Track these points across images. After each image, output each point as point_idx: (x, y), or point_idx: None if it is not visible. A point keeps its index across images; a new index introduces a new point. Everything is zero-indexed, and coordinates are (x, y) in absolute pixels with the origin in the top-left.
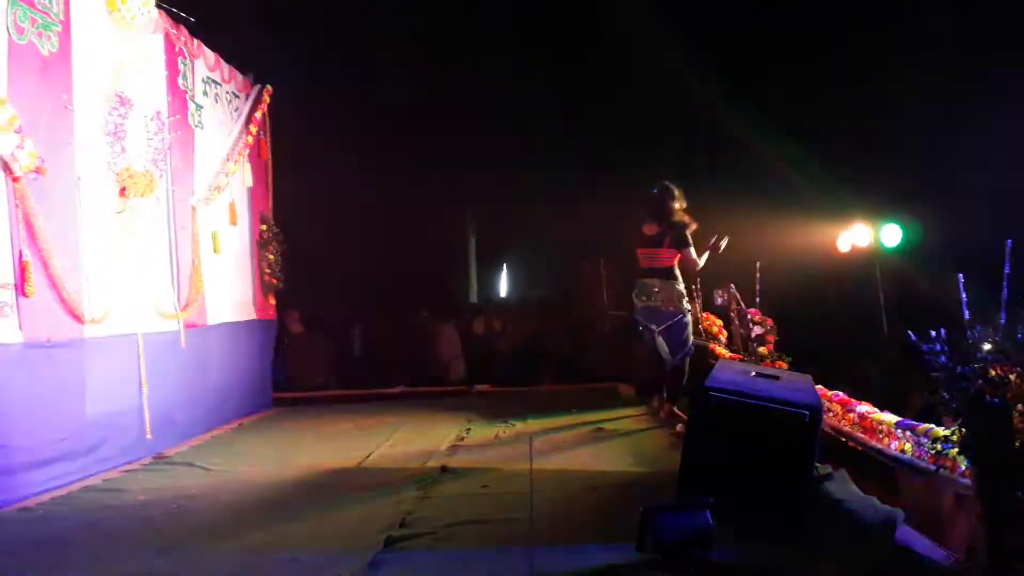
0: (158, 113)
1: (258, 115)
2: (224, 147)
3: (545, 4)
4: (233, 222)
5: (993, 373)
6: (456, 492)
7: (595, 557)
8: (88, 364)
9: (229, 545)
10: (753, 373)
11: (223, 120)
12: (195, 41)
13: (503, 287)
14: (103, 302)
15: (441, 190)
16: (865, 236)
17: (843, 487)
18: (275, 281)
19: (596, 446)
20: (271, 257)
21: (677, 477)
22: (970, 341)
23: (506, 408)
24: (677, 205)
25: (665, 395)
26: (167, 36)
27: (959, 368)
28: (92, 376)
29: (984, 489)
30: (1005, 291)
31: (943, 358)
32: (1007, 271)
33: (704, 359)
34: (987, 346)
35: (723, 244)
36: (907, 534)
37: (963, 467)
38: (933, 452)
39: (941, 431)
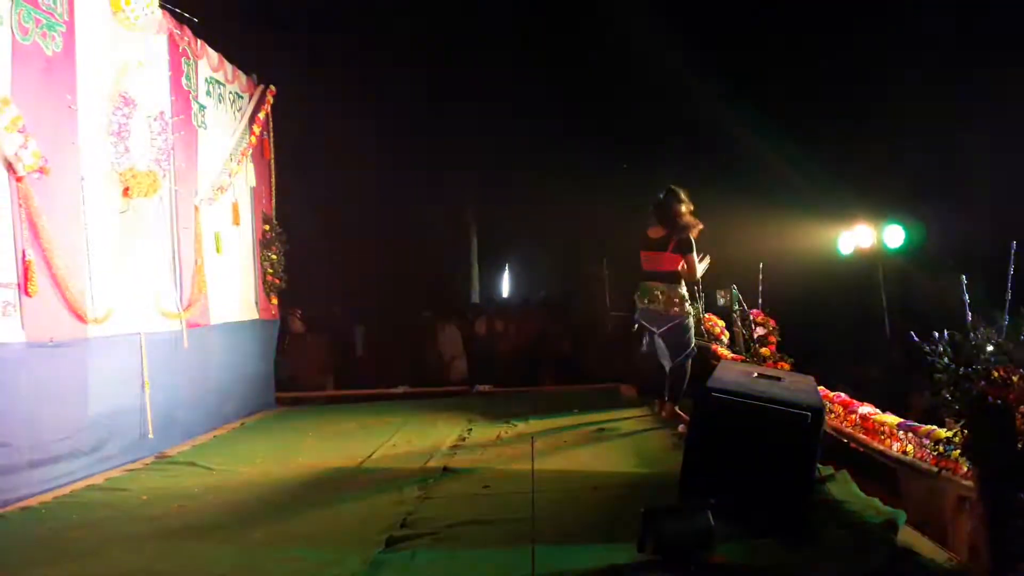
0: (161, 113)
1: (261, 115)
2: (227, 147)
3: (546, 4)
4: (236, 222)
5: (996, 375)
6: (457, 492)
7: (596, 557)
8: (91, 363)
9: (231, 544)
10: (755, 374)
11: (226, 120)
12: (198, 41)
13: (505, 288)
14: (106, 301)
15: (443, 190)
16: (868, 237)
17: (845, 488)
18: (277, 281)
19: (597, 446)
20: (274, 257)
21: (678, 478)
22: (972, 342)
23: (508, 408)
24: (684, 208)
25: (666, 396)
26: (171, 36)
27: (961, 369)
28: (95, 375)
29: (986, 491)
30: (1009, 292)
31: (945, 359)
32: (1011, 272)
33: (706, 360)
34: (990, 347)
35: (705, 263)
36: (909, 536)
37: (965, 469)
38: (935, 454)
39: (943, 432)
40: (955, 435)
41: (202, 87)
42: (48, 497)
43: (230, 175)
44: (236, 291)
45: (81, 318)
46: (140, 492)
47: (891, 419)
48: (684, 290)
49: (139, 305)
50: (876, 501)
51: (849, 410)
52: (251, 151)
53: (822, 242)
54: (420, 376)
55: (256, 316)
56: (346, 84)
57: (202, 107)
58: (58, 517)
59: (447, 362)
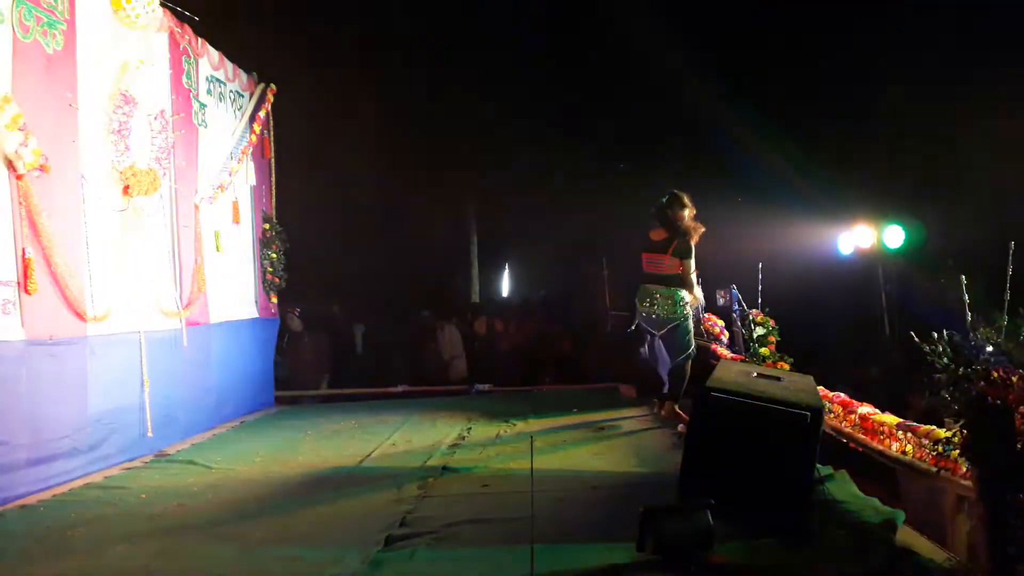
0: (162, 112)
1: (262, 114)
2: (228, 146)
3: (546, 4)
4: (236, 221)
5: (995, 375)
6: (457, 491)
7: (595, 557)
8: (90, 362)
9: (230, 543)
10: (754, 374)
11: (227, 119)
12: (199, 40)
13: (505, 287)
14: (105, 300)
15: (444, 190)
16: (867, 237)
17: (844, 488)
18: (277, 280)
19: (597, 446)
20: (274, 256)
21: (678, 477)
22: (972, 343)
23: (507, 408)
24: (686, 212)
25: (666, 394)
26: (171, 35)
27: (961, 370)
28: (94, 374)
29: (985, 491)
30: (1008, 293)
31: (945, 360)
32: (1010, 273)
33: (706, 360)
34: (989, 348)
35: (698, 292)
36: (908, 535)
37: (964, 469)
38: (934, 454)
39: (942, 433)
40: (954, 435)
41: (203, 85)
42: (47, 495)
43: (230, 174)
44: (236, 290)
45: (81, 316)
46: (139, 490)
47: (890, 419)
48: (684, 293)
49: (139, 303)
50: (875, 501)
51: (848, 410)
52: (251, 150)
53: (822, 242)
54: (420, 375)
55: (256, 315)
56: (346, 83)
57: (203, 105)
58: (57, 515)
59: (447, 361)
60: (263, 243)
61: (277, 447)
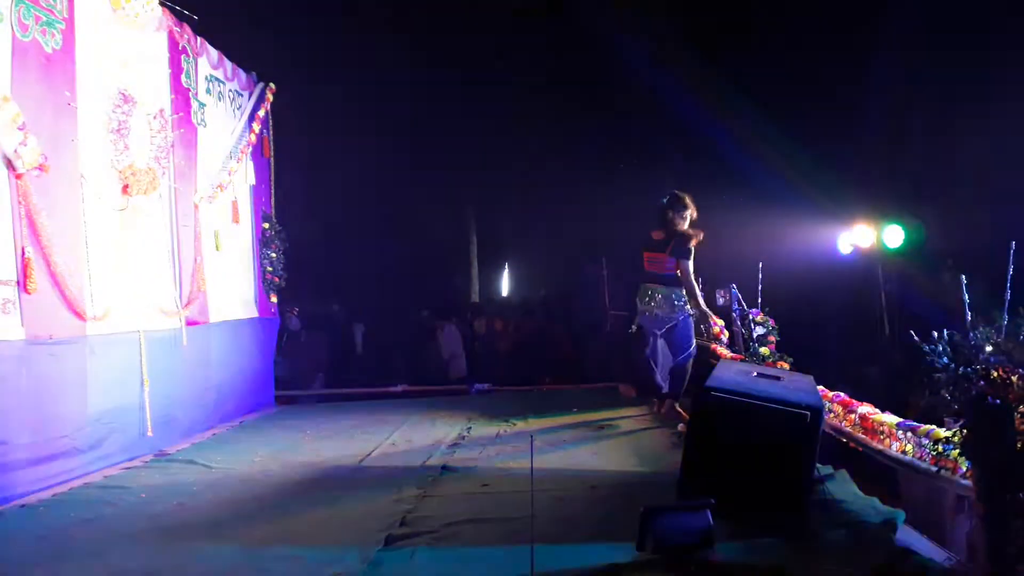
0: (161, 111)
1: (261, 113)
2: (227, 145)
3: (546, 4)
4: (236, 220)
5: (995, 374)
6: (457, 491)
7: (596, 556)
8: (90, 361)
9: (230, 542)
10: (754, 373)
11: (226, 118)
12: (198, 39)
13: (505, 287)
14: (105, 299)
15: (443, 189)
16: (867, 237)
17: (844, 488)
18: (277, 279)
19: (597, 445)
20: (273, 255)
21: (678, 477)
22: (972, 342)
23: (507, 407)
24: (687, 214)
25: (666, 393)
26: (170, 34)
27: (961, 369)
28: (94, 373)
29: (985, 490)
30: (1008, 292)
31: (945, 359)
32: (1010, 272)
33: (705, 359)
34: (989, 347)
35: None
36: (908, 535)
37: (964, 468)
38: (934, 453)
39: (942, 432)
40: (954, 435)
41: (202, 85)
42: (47, 495)
43: (230, 173)
44: (236, 289)
45: (80, 316)
46: (139, 490)
47: (890, 419)
48: (684, 292)
49: (138, 303)
50: (875, 501)
51: (848, 410)
52: (251, 149)
53: (821, 242)
54: (420, 375)
55: (255, 314)
56: (347, 82)
57: (202, 105)
58: (57, 515)
59: (447, 361)
60: (263, 242)
61: (277, 447)
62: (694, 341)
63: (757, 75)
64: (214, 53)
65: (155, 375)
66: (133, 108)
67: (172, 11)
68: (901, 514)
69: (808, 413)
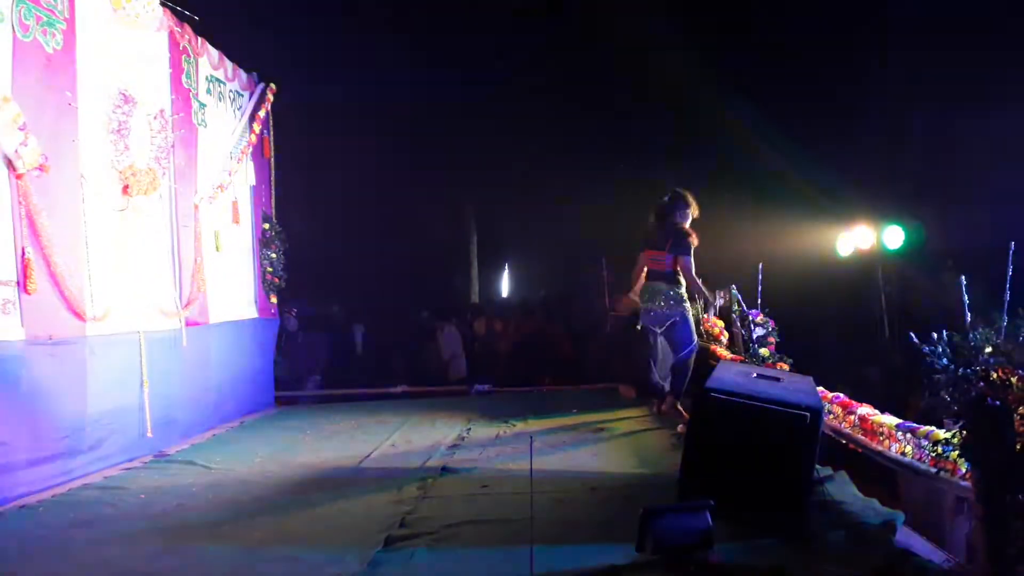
0: (162, 111)
1: (261, 113)
2: (227, 145)
3: (546, 5)
4: (236, 220)
5: (994, 376)
6: (456, 492)
7: (595, 558)
8: (90, 362)
9: (229, 543)
10: (754, 374)
11: (226, 118)
12: (199, 39)
13: (504, 287)
14: (105, 300)
15: (443, 190)
16: (867, 238)
17: (843, 489)
18: (277, 280)
19: (596, 446)
20: (273, 256)
21: (678, 478)
22: (971, 344)
23: (506, 408)
24: (689, 211)
25: (667, 390)
26: (171, 34)
27: (960, 370)
28: (93, 374)
29: (985, 492)
30: (1007, 293)
31: (944, 360)
32: (1010, 273)
33: (705, 361)
34: (988, 349)
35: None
36: (907, 536)
37: (964, 470)
38: (934, 455)
39: (942, 434)
40: (954, 436)
41: (202, 85)
42: (47, 495)
43: (230, 173)
44: (236, 290)
45: (80, 316)
46: (139, 491)
47: (890, 420)
48: (684, 289)
49: (138, 303)
50: (875, 502)
51: (848, 411)
52: (251, 149)
53: (821, 243)
54: (419, 376)
55: (255, 315)
56: (347, 82)
57: (202, 105)
58: (56, 516)
59: (446, 362)
60: (263, 243)
61: (277, 447)
62: (695, 337)
63: (757, 76)
64: (215, 53)
65: (155, 376)
66: (134, 108)
67: (173, 11)
68: (900, 515)
69: (808, 414)
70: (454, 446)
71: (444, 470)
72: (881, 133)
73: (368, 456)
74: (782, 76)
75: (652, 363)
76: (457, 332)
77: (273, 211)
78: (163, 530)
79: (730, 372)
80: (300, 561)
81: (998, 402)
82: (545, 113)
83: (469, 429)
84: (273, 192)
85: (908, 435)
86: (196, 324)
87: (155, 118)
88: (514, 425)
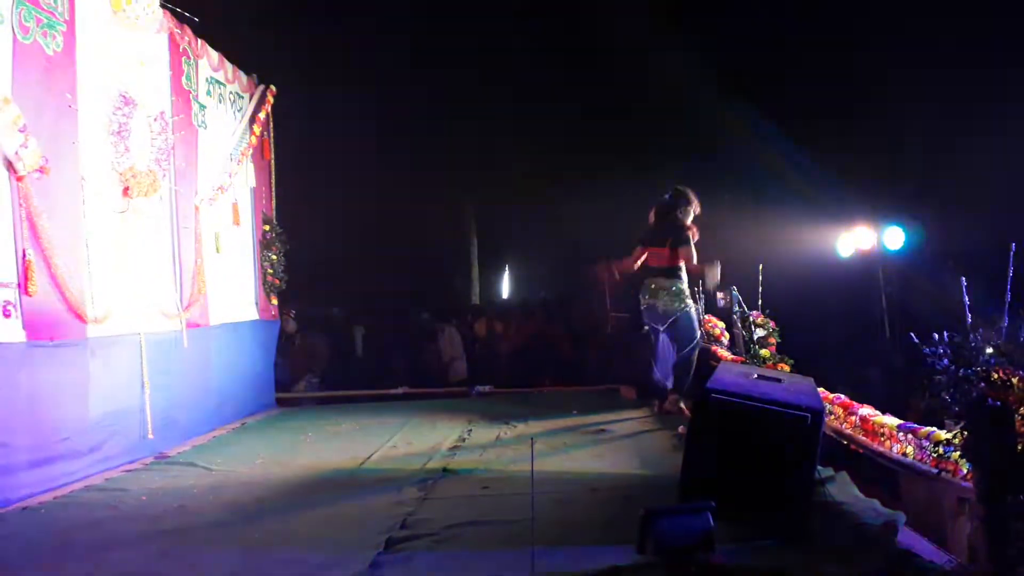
0: (162, 113)
1: (261, 115)
2: (228, 147)
3: (547, 5)
4: (236, 222)
5: (995, 376)
6: (457, 493)
7: (596, 559)
8: (90, 364)
9: (230, 544)
10: (755, 375)
11: (226, 120)
12: (199, 41)
13: (505, 289)
14: (106, 302)
15: (444, 192)
16: (868, 239)
17: (844, 490)
18: (277, 281)
19: (597, 448)
20: (274, 257)
21: (678, 479)
22: (972, 344)
23: (507, 410)
24: (691, 209)
25: (673, 388)
26: (171, 36)
27: (961, 371)
28: (94, 376)
29: (986, 492)
30: (1008, 294)
31: (945, 361)
32: (1010, 274)
33: (706, 362)
34: (989, 349)
35: (716, 270)
36: (909, 537)
37: (965, 470)
38: (935, 455)
39: (943, 434)
40: (955, 437)
41: (202, 87)
42: (48, 497)
43: (230, 175)
44: (236, 291)
45: (81, 318)
46: (140, 492)
47: (891, 421)
48: (685, 285)
49: (139, 305)
50: (876, 503)
51: (849, 412)
52: (251, 151)
53: (822, 244)
54: (420, 377)
55: (256, 316)
56: (347, 84)
57: (202, 107)
58: (58, 517)
59: (447, 363)
60: (263, 245)
61: (278, 449)
62: (698, 332)
63: (758, 77)
64: (215, 55)
65: (156, 377)
66: (134, 110)
67: (173, 13)
68: (902, 516)
69: (809, 415)
70: (455, 447)
71: (445, 471)
72: (882, 134)
73: (369, 458)
74: (783, 76)
75: (653, 362)
76: (457, 334)
77: (273, 213)
78: (164, 531)
79: (731, 373)
80: (301, 562)
81: (999, 403)
82: (546, 114)
83: (470, 431)
84: (273, 194)
85: (909, 436)
86: (197, 326)
87: (155, 120)
88: (515, 426)
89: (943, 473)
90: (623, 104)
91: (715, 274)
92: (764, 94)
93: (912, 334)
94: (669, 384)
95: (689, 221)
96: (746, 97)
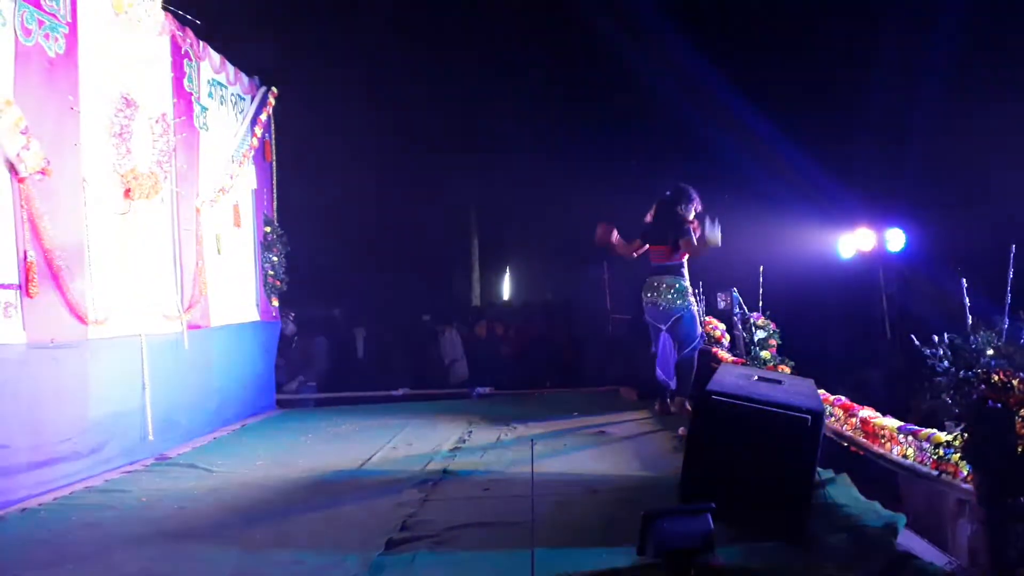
0: (163, 115)
1: (263, 117)
2: (229, 149)
3: (547, 5)
4: (237, 224)
5: (996, 378)
6: (457, 495)
7: (596, 561)
8: (91, 365)
9: (231, 546)
10: (755, 377)
11: (228, 122)
12: (201, 43)
13: (506, 290)
14: (107, 303)
15: (445, 193)
16: (869, 240)
17: (845, 492)
18: (279, 283)
19: (598, 449)
20: (275, 259)
21: (679, 481)
22: (973, 346)
23: (508, 411)
24: (693, 207)
25: (675, 391)
26: (173, 38)
27: (962, 373)
28: (95, 377)
29: (986, 494)
30: (1008, 296)
31: (946, 363)
32: (1011, 276)
33: (706, 363)
34: (990, 351)
35: (718, 231)
36: (909, 539)
37: (965, 472)
38: (935, 457)
39: (943, 436)
40: (955, 439)
41: (204, 89)
42: (48, 499)
43: (231, 177)
44: (237, 293)
45: (82, 319)
46: (140, 494)
47: (891, 423)
48: (687, 282)
49: (140, 307)
50: (876, 504)
51: (849, 413)
52: (253, 153)
53: (823, 245)
54: (420, 379)
55: (257, 318)
56: (348, 86)
57: (204, 109)
58: (58, 519)
59: (448, 365)
60: (264, 246)
61: (278, 450)
62: (700, 331)
63: (759, 77)
64: (216, 57)
65: (156, 379)
66: (135, 112)
67: (175, 15)
68: (902, 518)
69: (809, 417)
70: (455, 449)
71: (445, 473)
72: (883, 135)
73: (369, 459)
74: (783, 77)
75: (655, 360)
76: (458, 335)
77: (275, 214)
78: (164, 533)
79: (731, 375)
80: (301, 564)
81: (999, 405)
82: (547, 115)
83: (470, 432)
84: (275, 195)
85: (910, 438)
86: (198, 327)
87: (157, 122)
88: (515, 428)
89: (943, 475)
90: (627, 105)
91: (716, 234)
92: (765, 94)
93: (913, 336)
94: (673, 385)
95: (691, 218)
96: (748, 98)
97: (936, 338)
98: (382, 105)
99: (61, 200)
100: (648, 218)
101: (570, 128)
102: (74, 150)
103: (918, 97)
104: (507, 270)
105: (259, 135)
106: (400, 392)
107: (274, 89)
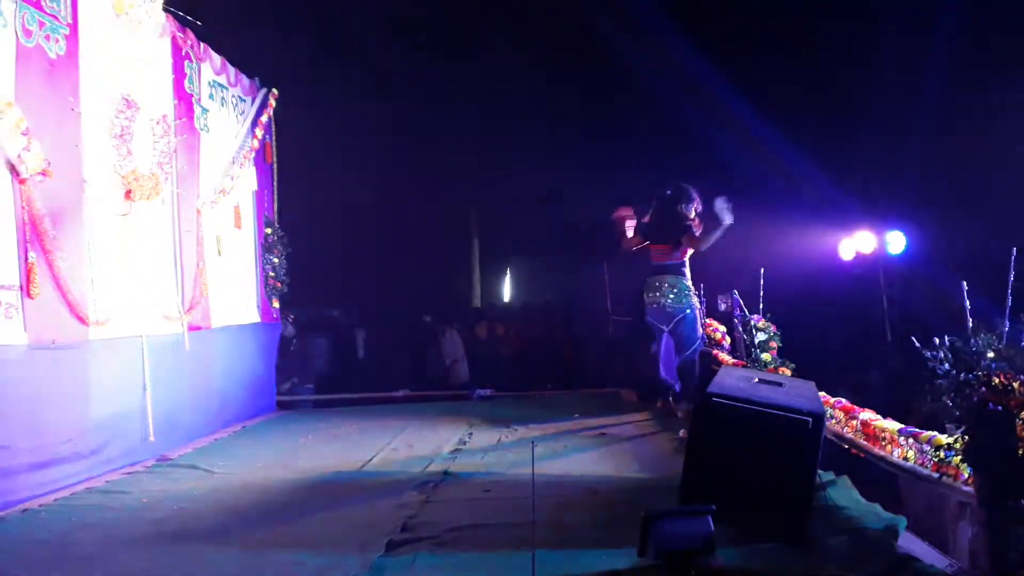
0: (164, 116)
1: (264, 119)
2: (230, 150)
3: (549, 7)
4: (238, 225)
5: (996, 381)
6: (458, 496)
7: (597, 562)
8: (92, 366)
9: (231, 547)
10: (756, 379)
11: (229, 123)
12: (202, 45)
13: (506, 291)
14: (108, 304)
15: (445, 194)
16: (869, 243)
17: (846, 494)
18: (279, 284)
19: (598, 451)
20: (275, 260)
21: (679, 482)
22: (973, 349)
23: (508, 412)
24: (693, 206)
25: (679, 394)
26: (174, 39)
27: (962, 375)
28: (96, 378)
29: (987, 497)
30: (1009, 298)
31: (946, 365)
32: (1011, 279)
33: (707, 365)
34: (990, 354)
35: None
36: (910, 541)
37: (966, 475)
38: (936, 459)
39: (944, 438)
40: (956, 441)
41: (205, 90)
42: (49, 499)
43: (232, 178)
44: (238, 294)
45: (83, 320)
46: (141, 495)
47: (892, 425)
48: (689, 282)
49: (141, 308)
50: (877, 507)
51: (850, 416)
52: (253, 154)
53: (823, 247)
54: (421, 380)
55: (258, 319)
56: (348, 87)
57: (205, 110)
58: (59, 520)
59: (448, 366)
60: (265, 248)
61: (279, 452)
62: (701, 332)
63: (759, 77)
64: (217, 59)
65: (157, 380)
66: (136, 113)
67: (175, 17)
68: (903, 520)
69: (810, 419)
70: (456, 450)
71: (446, 474)
72: (883, 137)
73: (370, 460)
74: (783, 77)
75: (657, 362)
76: (459, 336)
77: (275, 215)
78: (165, 534)
79: (732, 377)
80: (302, 565)
81: (1000, 407)
82: (548, 115)
83: (471, 434)
84: (275, 196)
85: (910, 440)
86: (198, 328)
87: (158, 123)
88: (516, 430)
89: (944, 477)
90: (627, 105)
91: (725, 214)
92: (766, 96)
93: (913, 338)
94: (677, 387)
95: (692, 216)
96: (748, 99)
97: (937, 340)
98: (382, 105)
99: (62, 201)
100: (647, 218)
101: (570, 128)
102: (75, 151)
103: (918, 98)
104: (507, 270)
105: (260, 137)
106: (401, 393)
107: (275, 91)
